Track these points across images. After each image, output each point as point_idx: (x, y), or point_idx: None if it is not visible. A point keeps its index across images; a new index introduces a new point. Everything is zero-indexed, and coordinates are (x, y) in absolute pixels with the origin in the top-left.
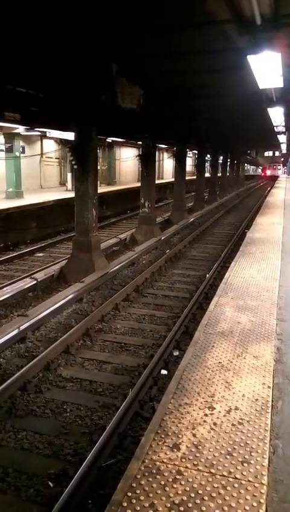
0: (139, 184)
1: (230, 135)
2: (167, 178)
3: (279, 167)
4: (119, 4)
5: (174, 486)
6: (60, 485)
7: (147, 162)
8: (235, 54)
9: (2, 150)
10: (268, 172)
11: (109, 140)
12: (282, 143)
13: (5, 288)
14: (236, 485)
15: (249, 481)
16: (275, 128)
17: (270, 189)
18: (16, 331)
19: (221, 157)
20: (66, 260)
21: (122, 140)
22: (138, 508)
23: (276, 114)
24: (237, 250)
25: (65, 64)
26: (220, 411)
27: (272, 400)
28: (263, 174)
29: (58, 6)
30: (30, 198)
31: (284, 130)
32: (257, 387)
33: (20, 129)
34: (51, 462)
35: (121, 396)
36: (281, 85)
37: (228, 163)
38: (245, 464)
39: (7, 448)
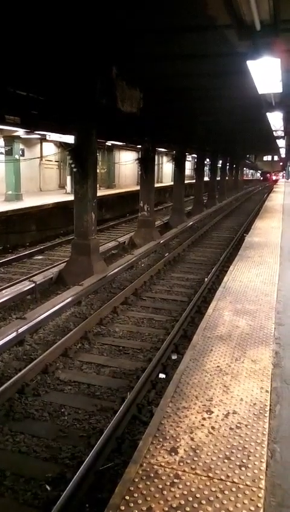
0: (138, 188)
1: (229, 139)
2: (166, 181)
3: (280, 174)
4: (119, 7)
5: (172, 490)
6: (57, 488)
7: (147, 166)
8: (235, 58)
9: (1, 153)
10: (273, 178)
11: (109, 143)
12: (281, 147)
13: (3, 291)
14: (234, 489)
15: (246, 485)
16: (274, 132)
17: (269, 193)
18: (14, 334)
19: (220, 161)
20: (65, 263)
21: (121, 143)
22: None
23: (275, 119)
24: (236, 254)
25: (66, 67)
26: (218, 415)
27: (270, 405)
28: (262, 179)
29: (60, 10)
30: (29, 201)
31: (283, 135)
32: (255, 391)
33: (20, 132)
34: (48, 465)
35: (119, 399)
36: (280, 90)
37: (227, 167)
38: (243, 468)
39: (5, 451)
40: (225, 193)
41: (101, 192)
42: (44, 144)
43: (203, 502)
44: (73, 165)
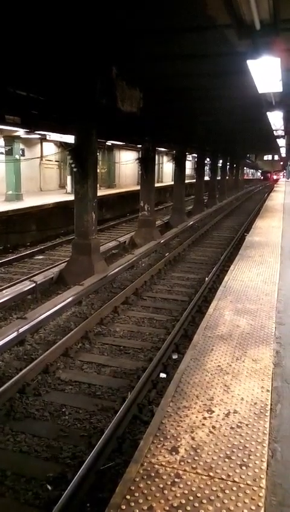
0: (138, 188)
1: (229, 139)
2: (166, 181)
3: (280, 174)
4: (119, 7)
5: (173, 489)
6: (58, 488)
7: (147, 165)
8: (235, 58)
9: (1, 153)
10: (274, 177)
11: (109, 143)
12: (281, 146)
13: (4, 291)
14: (235, 488)
15: (247, 484)
16: (274, 131)
17: (269, 193)
18: (14, 334)
19: (220, 161)
20: (66, 263)
21: (122, 143)
22: (137, 511)
23: (275, 118)
24: (237, 253)
25: (66, 67)
26: (219, 415)
27: (271, 404)
28: (263, 178)
29: (60, 10)
30: (30, 201)
31: (283, 134)
32: (255, 390)
33: (20, 131)
34: (49, 465)
35: (120, 399)
36: (281, 90)
37: (228, 166)
38: (244, 467)
39: (6, 451)
40: (225, 192)
41: (101, 192)
42: (44, 144)
43: (204, 501)
44: (73, 165)
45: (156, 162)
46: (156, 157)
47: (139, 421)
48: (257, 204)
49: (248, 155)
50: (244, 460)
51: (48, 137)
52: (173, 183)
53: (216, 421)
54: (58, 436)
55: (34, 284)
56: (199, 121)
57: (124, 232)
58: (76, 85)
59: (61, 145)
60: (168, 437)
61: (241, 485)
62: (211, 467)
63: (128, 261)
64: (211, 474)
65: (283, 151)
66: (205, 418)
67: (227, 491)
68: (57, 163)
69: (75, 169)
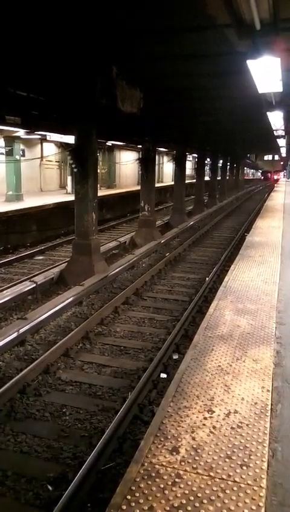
0: (139, 188)
1: (230, 139)
2: (166, 181)
3: (281, 174)
4: (119, 7)
5: (174, 489)
6: (59, 488)
7: (147, 165)
8: (235, 58)
9: (2, 153)
10: (275, 177)
11: (109, 143)
12: (281, 146)
13: (4, 291)
14: (235, 488)
15: (248, 484)
16: (274, 131)
17: (270, 193)
18: (15, 334)
19: (221, 161)
20: (66, 263)
21: (122, 143)
22: (137, 511)
23: (275, 118)
24: (237, 253)
25: (66, 67)
26: (219, 415)
27: (271, 404)
28: (263, 178)
29: (60, 10)
30: (30, 201)
31: (283, 134)
32: (256, 390)
33: (21, 132)
34: (50, 465)
35: (121, 399)
36: (281, 89)
37: (228, 166)
38: (244, 467)
39: (6, 451)
40: (225, 192)
41: (101, 192)
42: (44, 144)
43: (205, 501)
44: (73, 165)
45: (156, 162)
46: (156, 157)
47: (139, 421)
48: (257, 204)
49: (248, 155)
50: (245, 460)
51: (48, 138)
52: (173, 183)
53: (217, 421)
54: (59, 436)
55: (34, 285)
56: (199, 121)
57: (124, 232)
58: (76, 85)
59: (62, 145)
60: (169, 437)
61: (242, 485)
62: (212, 467)
63: (129, 261)
64: (211, 474)
65: (283, 151)
66: (205, 418)
67: (228, 491)
68: (57, 163)
69: (75, 170)
